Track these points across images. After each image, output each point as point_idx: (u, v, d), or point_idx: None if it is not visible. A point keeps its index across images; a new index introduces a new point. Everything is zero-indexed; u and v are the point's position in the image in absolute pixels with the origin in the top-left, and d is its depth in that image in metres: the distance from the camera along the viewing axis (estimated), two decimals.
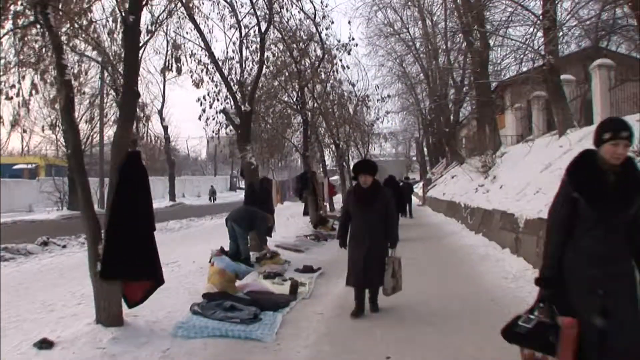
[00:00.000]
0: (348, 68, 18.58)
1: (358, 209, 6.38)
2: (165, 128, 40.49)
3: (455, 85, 33.98)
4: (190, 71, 16.86)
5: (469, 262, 9.81)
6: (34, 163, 36.16)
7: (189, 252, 12.03)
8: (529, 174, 11.72)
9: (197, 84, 12.14)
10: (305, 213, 22.72)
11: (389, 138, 43.86)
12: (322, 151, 26.37)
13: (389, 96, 23.03)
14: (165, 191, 43.69)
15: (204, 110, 14.88)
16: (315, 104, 21.13)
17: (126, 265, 5.36)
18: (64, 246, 13.08)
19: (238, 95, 11.92)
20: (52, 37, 6.10)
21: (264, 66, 17.86)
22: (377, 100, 20.97)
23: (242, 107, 11.53)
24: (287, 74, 18.97)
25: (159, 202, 41.17)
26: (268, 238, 11.33)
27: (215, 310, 6.39)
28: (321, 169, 27.09)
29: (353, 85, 19.46)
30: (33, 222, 23.42)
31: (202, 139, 76.53)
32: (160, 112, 39.46)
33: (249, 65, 14.09)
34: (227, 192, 66.49)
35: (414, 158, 66.38)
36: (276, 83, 19.08)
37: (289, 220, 21.11)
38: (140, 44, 16.68)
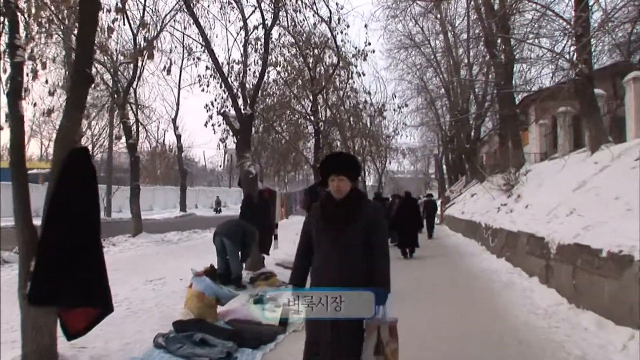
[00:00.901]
0: (364, 75, 17.54)
1: (326, 233, 3.80)
2: (179, 137, 39.57)
3: (477, 100, 32.75)
4: (199, 76, 16.02)
5: (491, 291, 8.57)
6: (49, 168, 35.47)
7: (181, 267, 10.92)
8: (560, 193, 10.43)
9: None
10: None
11: (407, 154, 42.61)
12: None
13: (405, 105, 21.83)
14: (177, 201, 42.71)
15: (210, 117, 14.00)
16: (329, 113, 20.13)
17: (63, 288, 4.27)
18: None
19: (240, 99, 10.93)
20: (7, 11, 5.18)
21: (275, 71, 17.09)
22: (394, 110, 19.74)
23: (243, 110, 10.50)
24: (299, 82, 18.05)
25: (170, 212, 40.34)
26: (265, 256, 10.22)
27: (183, 343, 5.28)
28: None
29: (369, 93, 18.37)
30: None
31: (221, 150, 75.87)
32: (174, 121, 38.71)
33: (254, 67, 13.19)
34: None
35: (433, 176, 65.08)
36: (288, 92, 18.14)
37: (298, 234, 19.97)
38: (144, 44, 15.85)
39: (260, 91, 16.99)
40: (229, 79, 10.89)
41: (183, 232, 18.81)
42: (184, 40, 16.88)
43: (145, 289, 8.74)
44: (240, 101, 10.91)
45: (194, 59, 12.79)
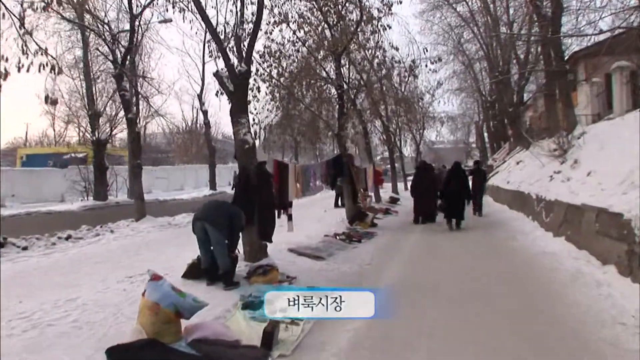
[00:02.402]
0: (389, 27, 15.40)
1: None
2: (205, 113, 38.12)
3: (519, 61, 30.10)
4: (208, 41, 14.28)
5: (553, 286, 6.53)
6: (84, 152, 34.74)
7: (178, 257, 9.25)
8: (634, 157, 8.27)
9: None
10: (337, 205, 19.86)
11: (446, 121, 40.08)
12: (366, 133, 23.19)
13: (439, 59, 19.51)
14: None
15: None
16: (355, 75, 18.19)
17: None
18: (25, 248, 10.49)
19: (234, 55, 9.12)
20: None
21: (290, 30, 15.13)
22: (426, 67, 17.50)
23: (238, 67, 8.66)
24: (319, 42, 16.07)
25: (200, 191, 39.12)
26: (268, 244, 8.42)
27: None
28: (365, 154, 24.03)
29: (397, 49, 16.18)
30: (49, 214, 21.33)
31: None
32: (199, 96, 37.45)
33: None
34: None
35: (474, 145, 62.38)
36: (307, 53, 16.17)
37: (327, 212, 18.21)
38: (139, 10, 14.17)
39: (278, 55, 15.24)
40: (212, 24, 8.93)
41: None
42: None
43: (117, 289, 7.06)
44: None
45: (180, 11, 10.95)
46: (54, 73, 8.09)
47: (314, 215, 17.23)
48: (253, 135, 16.46)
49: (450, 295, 6.38)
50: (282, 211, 10.68)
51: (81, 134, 29.48)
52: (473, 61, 35.72)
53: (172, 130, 52.79)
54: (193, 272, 7.33)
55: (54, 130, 48.43)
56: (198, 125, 55.88)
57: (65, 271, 8.70)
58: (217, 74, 8.95)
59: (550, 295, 6.07)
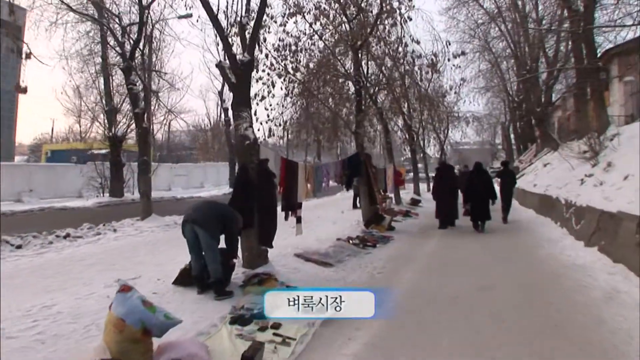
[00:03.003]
0: (410, 20, 14.61)
1: None
2: (225, 110, 37.96)
3: (548, 60, 29.00)
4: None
5: (584, 305, 5.72)
6: (106, 148, 34.55)
7: (175, 260, 8.60)
8: None
9: None
10: (355, 205, 19.13)
11: (472, 121, 38.91)
12: (387, 131, 22.39)
13: (463, 53, 18.47)
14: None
15: None
16: (375, 70, 17.49)
17: None
18: (19, 246, 10.00)
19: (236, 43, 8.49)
20: None
21: (305, 22, 14.45)
22: (448, 61, 16.50)
23: (241, 56, 8.02)
24: (337, 36, 15.40)
25: (219, 189, 38.80)
26: (269, 249, 7.75)
27: None
28: (386, 153, 23.23)
29: (418, 42, 15.29)
30: (63, 210, 21.03)
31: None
32: (220, 93, 37.38)
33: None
34: None
35: (500, 146, 61.18)
36: (324, 47, 15.49)
37: (344, 213, 17.50)
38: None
39: (293, 48, 14.57)
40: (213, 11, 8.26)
41: None
42: None
43: (101, 295, 6.43)
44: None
45: None
46: (22, 58, 7.66)
47: (330, 216, 16.56)
48: (269, 132, 16.01)
49: (467, 313, 5.63)
50: (290, 213, 9.97)
51: (103, 130, 29.19)
52: (500, 59, 34.66)
53: (193, 128, 52.83)
54: (185, 278, 6.69)
55: (80, 126, 48.69)
56: (221, 122, 56.01)
57: (54, 273, 8.15)
58: (219, 64, 8.32)
59: (581, 317, 5.26)
